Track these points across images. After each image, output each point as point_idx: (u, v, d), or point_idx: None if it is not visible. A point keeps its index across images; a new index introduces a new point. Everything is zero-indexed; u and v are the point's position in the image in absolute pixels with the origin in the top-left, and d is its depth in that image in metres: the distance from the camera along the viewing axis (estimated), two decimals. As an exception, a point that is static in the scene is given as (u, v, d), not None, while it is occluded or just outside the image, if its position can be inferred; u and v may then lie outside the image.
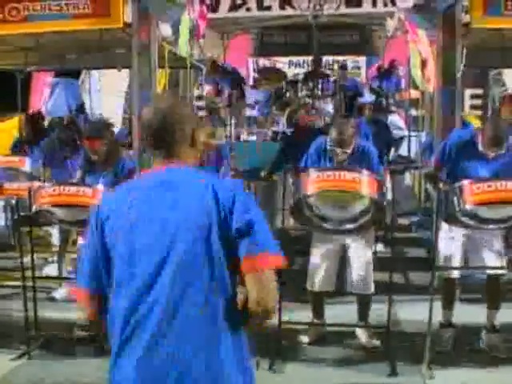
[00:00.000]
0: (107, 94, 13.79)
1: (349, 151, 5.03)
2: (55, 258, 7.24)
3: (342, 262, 5.17)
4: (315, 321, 5.31)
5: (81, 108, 12.90)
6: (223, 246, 2.18)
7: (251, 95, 12.25)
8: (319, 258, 5.13)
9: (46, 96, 14.29)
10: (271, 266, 2.19)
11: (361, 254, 5.07)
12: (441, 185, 4.90)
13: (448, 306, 5.13)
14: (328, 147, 5.09)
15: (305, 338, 5.23)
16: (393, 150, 9.84)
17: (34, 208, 5.02)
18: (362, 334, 5.22)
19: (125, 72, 10.99)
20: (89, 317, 2.26)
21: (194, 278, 2.16)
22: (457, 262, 4.99)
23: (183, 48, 7.78)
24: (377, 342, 5.12)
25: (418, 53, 7.09)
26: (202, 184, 2.24)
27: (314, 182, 4.57)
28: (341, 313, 5.48)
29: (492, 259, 4.95)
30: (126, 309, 2.18)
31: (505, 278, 5.09)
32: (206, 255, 2.17)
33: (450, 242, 4.96)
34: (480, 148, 4.83)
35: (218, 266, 2.18)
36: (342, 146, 4.99)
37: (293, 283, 5.33)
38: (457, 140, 5.05)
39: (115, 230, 2.23)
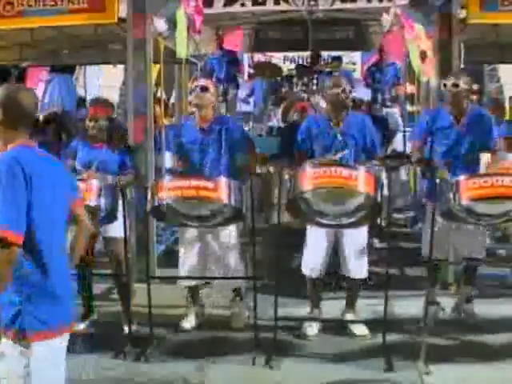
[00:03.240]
0: (102, 90, 13.77)
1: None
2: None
3: (336, 245, 5.21)
4: (312, 315, 5.33)
5: (83, 102, 12.83)
6: None
7: (245, 89, 12.26)
8: (314, 243, 5.18)
9: (41, 91, 14.24)
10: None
11: (355, 239, 5.13)
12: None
13: (430, 286, 5.20)
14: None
15: (310, 331, 5.23)
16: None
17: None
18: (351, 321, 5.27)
19: (119, 68, 10.98)
20: (16, 256, 2.59)
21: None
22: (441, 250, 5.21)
23: (182, 50, 7.14)
24: (366, 330, 5.16)
25: (417, 46, 7.10)
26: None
27: (310, 178, 4.56)
28: (336, 308, 5.48)
29: (475, 250, 5.32)
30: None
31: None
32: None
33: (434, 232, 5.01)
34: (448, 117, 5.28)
35: None
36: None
37: (289, 279, 5.33)
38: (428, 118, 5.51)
39: (40, 190, 2.66)
